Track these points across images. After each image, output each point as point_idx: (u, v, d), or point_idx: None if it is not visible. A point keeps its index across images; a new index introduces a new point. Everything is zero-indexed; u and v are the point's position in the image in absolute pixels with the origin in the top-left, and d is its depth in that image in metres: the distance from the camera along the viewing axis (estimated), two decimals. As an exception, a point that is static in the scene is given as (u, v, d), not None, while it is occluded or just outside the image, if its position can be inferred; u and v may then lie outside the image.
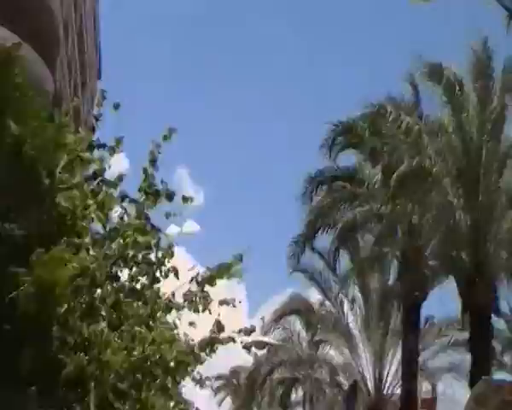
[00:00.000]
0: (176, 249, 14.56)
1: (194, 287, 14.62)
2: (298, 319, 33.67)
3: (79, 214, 12.89)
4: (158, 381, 15.61)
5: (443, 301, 26.09)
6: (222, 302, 14.94)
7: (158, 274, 14.64)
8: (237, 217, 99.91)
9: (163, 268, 14.68)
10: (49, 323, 12.39)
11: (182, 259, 16.02)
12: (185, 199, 12.16)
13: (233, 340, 15.28)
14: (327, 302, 29.40)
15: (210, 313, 14.65)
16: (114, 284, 14.47)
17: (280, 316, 33.08)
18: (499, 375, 26.19)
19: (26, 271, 11.46)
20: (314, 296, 30.37)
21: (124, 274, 14.77)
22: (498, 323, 23.20)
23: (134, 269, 14.72)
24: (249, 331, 15.50)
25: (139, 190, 12.92)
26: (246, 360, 45.06)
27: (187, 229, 12.99)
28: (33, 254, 11.50)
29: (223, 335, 15.18)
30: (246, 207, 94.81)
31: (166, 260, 14.60)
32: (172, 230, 13.33)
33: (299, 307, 31.59)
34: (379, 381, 27.99)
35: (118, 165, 12.55)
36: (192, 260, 15.23)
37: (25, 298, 11.72)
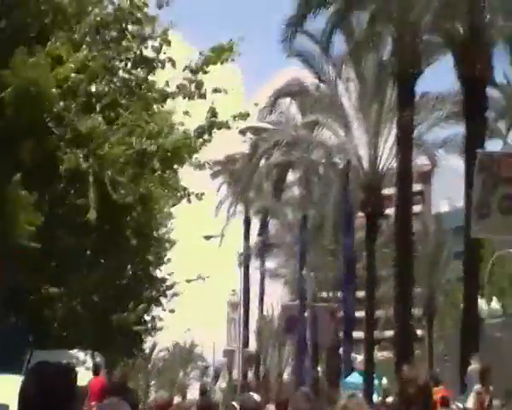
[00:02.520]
0: (171, 38, 13.93)
1: (188, 75, 13.95)
2: (293, 102, 33.45)
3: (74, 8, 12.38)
4: (156, 174, 14.65)
5: (438, 76, 26.30)
6: (215, 90, 14.20)
7: (154, 64, 13.95)
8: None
9: (159, 57, 14.01)
10: (44, 120, 11.74)
11: (178, 49, 15.21)
12: None
13: (228, 126, 14.45)
14: (322, 85, 29.16)
15: (204, 98, 13.87)
16: (111, 85, 13.73)
17: (276, 98, 32.67)
18: (493, 143, 26.64)
19: (12, 71, 10.90)
20: (309, 80, 30.06)
21: (120, 66, 14.10)
22: (492, 91, 23.22)
23: (129, 64, 14.03)
24: (245, 116, 14.65)
25: None
26: (242, 148, 45.50)
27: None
28: (16, 52, 10.99)
29: (218, 121, 14.41)
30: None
31: (163, 47, 13.89)
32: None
33: (294, 90, 31.30)
34: (374, 159, 27.59)
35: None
36: (188, 47, 14.95)
37: (12, 99, 11.09)
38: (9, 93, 11.68)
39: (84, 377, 14.69)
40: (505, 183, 10.42)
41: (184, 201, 19.53)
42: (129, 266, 26.27)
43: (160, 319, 32.33)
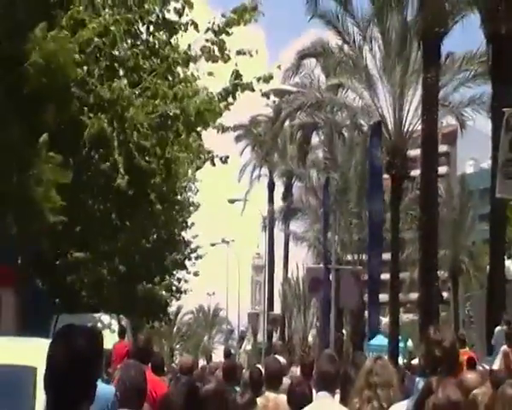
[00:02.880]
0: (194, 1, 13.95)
1: (210, 37, 14.02)
2: (317, 64, 33.16)
3: None
4: (181, 138, 14.78)
5: (464, 35, 25.90)
6: (239, 52, 14.24)
7: (176, 27, 13.96)
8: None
9: (182, 20, 14.04)
10: (67, 86, 11.88)
11: (201, 13, 15.29)
12: None
13: (252, 88, 14.52)
14: (345, 47, 28.81)
15: (228, 59, 13.91)
16: (134, 49, 13.82)
17: (300, 59, 32.29)
18: None
19: (32, 46, 10.99)
20: (333, 42, 29.79)
21: (142, 30, 14.20)
22: None
23: (152, 27, 14.13)
24: (268, 78, 14.73)
25: None
26: (265, 111, 45.83)
27: None
28: (36, 28, 11.08)
29: (242, 83, 14.47)
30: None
31: (185, 10, 13.92)
32: None
33: (318, 51, 30.91)
34: (399, 120, 27.59)
35: None
36: (211, 11, 15.15)
37: (33, 72, 11.22)
38: (30, 66, 11.67)
39: (109, 340, 14.81)
40: None
41: (208, 164, 19.48)
42: (153, 230, 26.39)
43: (186, 281, 32.55)
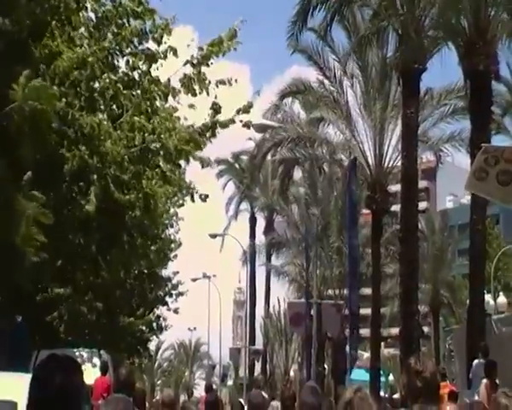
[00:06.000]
0: (177, 32, 13.80)
1: (189, 70, 13.81)
2: (297, 100, 32.53)
3: (72, 4, 12.41)
4: (158, 170, 14.56)
5: (442, 70, 26.29)
6: (219, 82, 13.99)
7: (155, 49, 13.76)
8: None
9: (161, 47, 13.87)
10: (47, 118, 11.67)
11: (180, 37, 15.07)
12: None
13: (232, 121, 14.29)
14: (326, 82, 28.82)
15: (208, 95, 13.74)
16: (112, 76, 13.68)
17: (280, 99, 31.72)
18: (499, 139, 26.55)
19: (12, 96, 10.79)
20: (313, 77, 29.67)
21: (121, 64, 14.07)
22: (498, 86, 23.13)
23: (131, 59, 13.95)
24: (247, 108, 14.50)
25: None
26: (246, 145, 47.14)
27: None
28: (21, 77, 10.92)
29: (222, 118, 14.23)
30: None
31: (164, 37, 13.73)
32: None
33: (298, 88, 30.50)
34: (379, 155, 27.66)
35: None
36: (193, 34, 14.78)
37: (17, 115, 11.04)
38: (14, 111, 11.61)
39: (90, 375, 14.69)
40: (506, 161, 10.50)
41: (189, 199, 19.40)
42: (134, 266, 26.27)
43: (165, 319, 32.29)
